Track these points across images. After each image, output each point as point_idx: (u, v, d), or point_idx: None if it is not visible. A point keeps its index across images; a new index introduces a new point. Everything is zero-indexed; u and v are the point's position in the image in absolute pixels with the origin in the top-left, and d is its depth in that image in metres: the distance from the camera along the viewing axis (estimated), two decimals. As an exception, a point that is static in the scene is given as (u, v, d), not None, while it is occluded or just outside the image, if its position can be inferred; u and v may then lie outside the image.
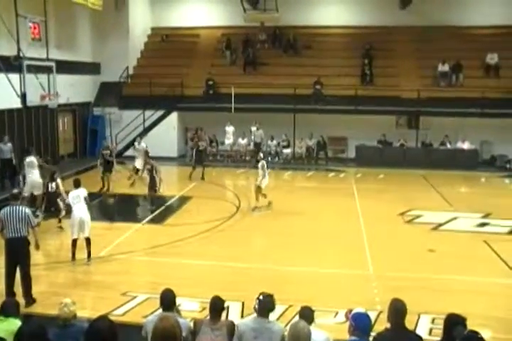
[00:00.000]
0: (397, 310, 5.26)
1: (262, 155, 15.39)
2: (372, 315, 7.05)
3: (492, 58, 22.60)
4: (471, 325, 4.82)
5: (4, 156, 15.90)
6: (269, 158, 20.90)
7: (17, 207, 8.11)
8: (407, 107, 21.30)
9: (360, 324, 4.86)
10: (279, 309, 7.45)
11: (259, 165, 14.27)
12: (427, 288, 8.92)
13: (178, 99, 22.71)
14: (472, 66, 22.71)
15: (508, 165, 20.65)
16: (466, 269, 9.89)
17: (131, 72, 24.77)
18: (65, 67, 19.79)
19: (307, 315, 5.35)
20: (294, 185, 18.70)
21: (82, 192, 10.15)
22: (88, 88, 23.36)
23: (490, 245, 11.21)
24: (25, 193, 12.87)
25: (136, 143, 17.98)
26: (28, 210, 8.21)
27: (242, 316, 7.58)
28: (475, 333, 4.47)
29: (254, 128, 22.10)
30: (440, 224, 12.73)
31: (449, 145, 21.22)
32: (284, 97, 21.45)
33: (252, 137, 22.27)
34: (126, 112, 22.70)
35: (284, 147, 22.36)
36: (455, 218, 13.43)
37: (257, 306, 5.30)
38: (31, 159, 13.40)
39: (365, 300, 7.82)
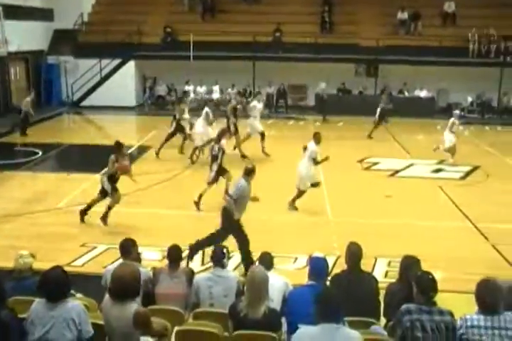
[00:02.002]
0: (353, 252, 5.43)
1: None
2: (331, 260, 7.32)
3: (449, 6, 22.59)
4: (425, 267, 5.02)
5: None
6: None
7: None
8: (366, 55, 21.26)
9: (316, 268, 5.01)
10: (238, 257, 7.63)
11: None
12: (384, 232, 9.17)
13: (136, 47, 22.05)
14: (430, 14, 22.68)
15: (462, 113, 21.07)
16: (422, 214, 10.19)
17: (86, 19, 23.80)
18: (14, 12, 18.85)
19: (266, 260, 5.46)
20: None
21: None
22: (41, 35, 22.41)
23: (444, 190, 11.59)
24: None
25: None
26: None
27: (202, 264, 7.68)
28: (427, 274, 4.63)
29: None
30: (397, 171, 13.04)
31: (407, 94, 21.45)
32: (244, 45, 21.11)
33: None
34: (82, 61, 21.97)
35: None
36: (411, 165, 13.77)
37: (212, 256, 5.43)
38: None
39: (324, 246, 7.96)
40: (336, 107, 20.71)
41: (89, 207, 9.53)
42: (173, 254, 5.48)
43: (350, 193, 11.40)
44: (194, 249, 7.70)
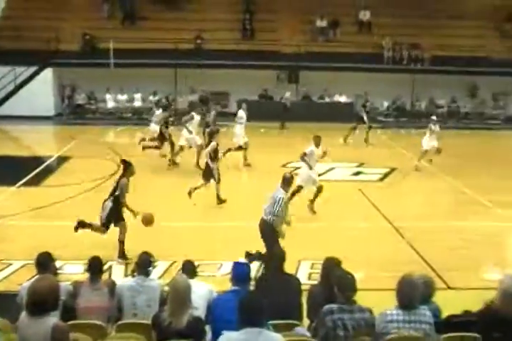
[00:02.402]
0: (275, 255, 5.53)
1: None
2: (256, 265, 7.40)
3: (365, 15, 23.46)
4: (347, 267, 5.15)
5: None
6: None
7: None
8: (287, 62, 21.67)
9: (239, 273, 5.04)
10: (162, 265, 7.54)
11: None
12: (307, 235, 9.29)
13: (53, 54, 21.38)
14: (348, 22, 23.45)
15: (379, 117, 21.93)
16: (343, 216, 10.48)
17: (-5, 24, 22.81)
18: None
19: (189, 269, 5.45)
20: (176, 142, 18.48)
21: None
22: None
23: (363, 192, 11.99)
24: None
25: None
26: None
27: (125, 276, 7.50)
28: (347, 274, 4.76)
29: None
30: (318, 175, 13.32)
31: (327, 99, 22.03)
32: (165, 52, 20.97)
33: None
34: (-6, 68, 20.98)
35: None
36: (332, 168, 14.10)
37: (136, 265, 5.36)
38: None
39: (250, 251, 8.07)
40: (258, 113, 20.88)
41: (84, 224, 8.44)
42: (94, 266, 5.36)
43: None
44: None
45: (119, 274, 7.60)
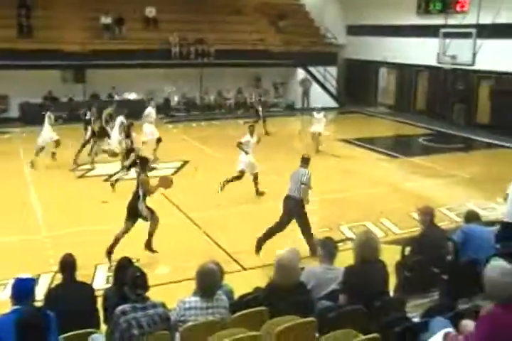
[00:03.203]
0: (64, 263, 5.31)
1: None
2: (48, 277, 7.05)
3: (150, 12, 23.44)
4: (147, 264, 5.13)
5: None
6: None
7: None
8: (72, 61, 20.67)
9: (19, 290, 4.60)
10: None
11: None
12: (104, 239, 9.08)
13: None
14: (134, 19, 23.19)
15: (171, 112, 22.22)
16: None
17: None
18: None
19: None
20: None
21: None
22: None
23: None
24: None
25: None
26: None
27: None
28: (139, 272, 4.75)
29: None
30: (112, 175, 13.07)
31: (117, 97, 21.62)
32: None
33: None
34: None
35: None
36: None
37: None
38: None
39: (40, 264, 7.71)
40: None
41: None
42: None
43: (65, 204, 11.04)
44: (262, 239, 8.34)
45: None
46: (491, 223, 8.36)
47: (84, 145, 14.39)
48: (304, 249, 7.97)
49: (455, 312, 4.38)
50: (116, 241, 8.27)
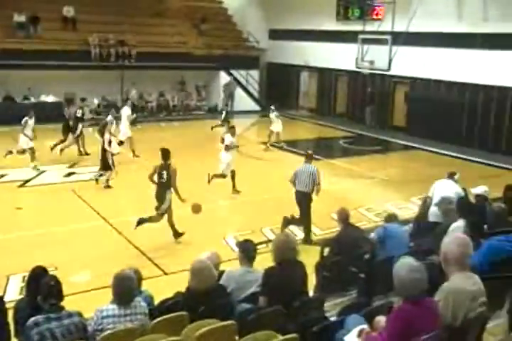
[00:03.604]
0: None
1: None
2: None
3: (68, 11, 22.72)
4: (65, 273, 4.96)
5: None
6: None
7: None
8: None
9: None
10: None
11: None
12: (16, 247, 8.76)
13: None
14: (50, 18, 22.39)
15: (90, 115, 21.54)
16: (58, 220, 10.13)
17: None
18: None
19: None
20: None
21: None
22: None
23: (77, 193, 11.72)
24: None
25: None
26: None
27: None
28: (53, 281, 4.59)
29: None
30: (27, 181, 12.60)
31: (33, 99, 20.79)
32: None
33: None
34: None
35: None
36: (42, 172, 13.45)
37: None
38: None
39: None
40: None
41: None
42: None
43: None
44: (288, 222, 9.43)
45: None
46: (406, 222, 8.69)
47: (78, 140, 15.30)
48: (225, 252, 7.98)
49: (370, 309, 4.51)
50: (173, 226, 9.33)
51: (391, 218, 7.14)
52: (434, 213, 8.06)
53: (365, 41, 19.35)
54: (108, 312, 4.48)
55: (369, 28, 20.00)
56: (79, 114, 15.42)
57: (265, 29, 26.98)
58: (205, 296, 4.81)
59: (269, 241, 7.90)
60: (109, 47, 22.33)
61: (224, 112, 18.70)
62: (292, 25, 24.75)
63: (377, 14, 20.94)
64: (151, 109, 23.50)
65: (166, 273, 8.12)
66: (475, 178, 12.28)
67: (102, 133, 12.87)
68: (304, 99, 25.90)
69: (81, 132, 15.37)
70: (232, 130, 12.56)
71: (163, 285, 7.05)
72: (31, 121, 13.82)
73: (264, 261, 5.54)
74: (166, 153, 9.22)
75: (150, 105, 23.59)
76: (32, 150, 13.53)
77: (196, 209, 9.40)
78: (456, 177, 8.80)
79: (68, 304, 4.49)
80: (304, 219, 9.51)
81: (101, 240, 9.36)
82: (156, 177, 9.26)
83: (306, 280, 5.28)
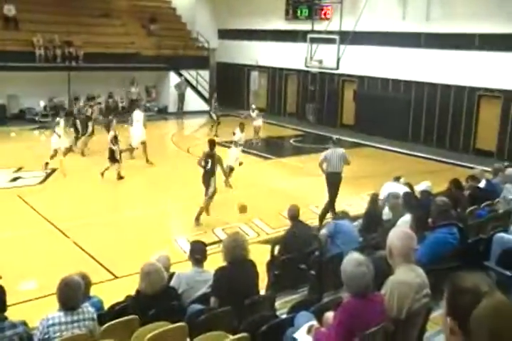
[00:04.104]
0: None
1: None
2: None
3: (10, 10, 22.03)
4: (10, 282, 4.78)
5: None
6: None
7: None
8: None
9: None
10: None
11: None
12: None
13: None
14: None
15: (37, 118, 21.09)
16: (3, 227, 9.81)
17: None
18: None
19: None
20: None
21: None
22: None
23: (23, 198, 11.38)
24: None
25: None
26: None
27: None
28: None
29: None
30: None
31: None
32: None
33: None
34: None
35: None
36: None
37: None
38: None
39: None
40: None
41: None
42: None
43: None
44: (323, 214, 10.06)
45: None
46: (356, 218, 8.82)
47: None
48: (177, 254, 7.93)
49: (319, 305, 4.55)
50: (205, 208, 10.33)
51: (342, 214, 7.24)
52: (386, 213, 8.21)
53: (313, 40, 19.56)
54: (54, 320, 4.37)
55: (318, 27, 20.22)
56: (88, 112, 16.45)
57: (215, 29, 26.93)
58: (155, 299, 4.76)
59: (221, 241, 7.87)
60: (55, 48, 21.76)
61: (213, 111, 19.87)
62: (242, 24, 24.80)
63: (325, 14, 21.20)
64: (100, 111, 23.03)
65: (116, 277, 7.99)
66: (421, 173, 12.65)
67: (107, 130, 13.63)
68: (255, 98, 25.98)
69: None
70: (241, 126, 13.78)
71: (114, 290, 6.92)
72: (62, 122, 14.13)
73: (216, 261, 5.52)
74: (212, 144, 10.35)
75: (99, 107, 23.11)
76: (67, 149, 14.10)
77: (243, 209, 10.18)
78: (401, 180, 9.12)
79: (15, 314, 4.36)
80: (333, 197, 10.46)
81: (48, 246, 9.13)
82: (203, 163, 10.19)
83: (257, 280, 5.29)
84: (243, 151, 14.39)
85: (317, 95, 22.34)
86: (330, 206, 10.30)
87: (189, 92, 24.67)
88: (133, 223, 9.65)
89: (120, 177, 12.96)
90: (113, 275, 8.04)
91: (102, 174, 12.84)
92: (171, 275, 5.43)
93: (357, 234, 7.04)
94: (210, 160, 10.10)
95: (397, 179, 9.22)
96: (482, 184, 8.82)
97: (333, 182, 10.33)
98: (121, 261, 8.34)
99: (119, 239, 9.19)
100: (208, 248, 5.83)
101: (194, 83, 25.18)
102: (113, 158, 12.91)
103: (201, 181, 10.24)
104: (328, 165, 10.24)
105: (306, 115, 22.37)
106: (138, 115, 15.36)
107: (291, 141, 19.26)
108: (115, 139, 13.09)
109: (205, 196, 10.24)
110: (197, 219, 10.18)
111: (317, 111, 22.26)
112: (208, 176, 10.18)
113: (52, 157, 13.46)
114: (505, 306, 1.86)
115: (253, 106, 19.68)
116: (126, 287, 7.08)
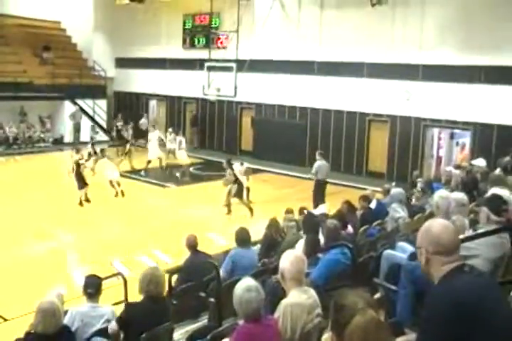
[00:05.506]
0: None
1: None
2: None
3: None
4: None
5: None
6: None
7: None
8: None
9: None
10: None
11: None
12: None
13: None
14: None
15: None
16: None
17: None
18: None
19: None
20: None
21: None
22: None
23: None
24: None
25: None
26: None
27: None
28: None
29: None
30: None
31: None
32: None
33: None
34: None
35: None
36: None
37: None
38: None
39: None
40: None
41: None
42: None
43: None
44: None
45: None
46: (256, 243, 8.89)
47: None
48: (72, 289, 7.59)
49: (217, 332, 4.52)
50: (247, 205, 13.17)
51: (243, 241, 7.26)
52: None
53: (211, 69, 19.85)
54: None
55: (215, 55, 20.54)
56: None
57: (112, 57, 26.57)
58: (50, 339, 4.49)
59: (118, 273, 7.62)
60: None
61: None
62: (139, 53, 24.69)
63: (221, 43, 21.61)
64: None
65: (5, 320, 7.48)
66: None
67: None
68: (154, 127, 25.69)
69: None
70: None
71: (4, 333, 6.50)
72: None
73: (115, 294, 5.34)
74: (230, 159, 13.77)
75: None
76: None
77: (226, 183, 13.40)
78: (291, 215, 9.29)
79: None
80: (320, 198, 12.73)
81: None
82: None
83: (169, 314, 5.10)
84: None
85: (193, 119, 22.70)
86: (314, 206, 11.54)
87: (86, 122, 24.05)
88: (26, 260, 9.13)
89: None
90: (2, 318, 7.52)
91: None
92: (65, 313, 5.17)
93: (256, 259, 7.09)
94: (228, 170, 13.42)
95: (287, 212, 9.33)
96: (373, 204, 9.25)
97: (323, 187, 13.23)
98: (11, 302, 7.80)
99: (9, 278, 8.64)
100: (104, 282, 5.64)
101: (91, 113, 24.60)
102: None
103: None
104: (319, 173, 13.16)
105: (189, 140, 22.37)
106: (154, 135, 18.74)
107: (191, 169, 19.20)
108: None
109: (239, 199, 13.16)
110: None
111: (198, 135, 23.09)
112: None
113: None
114: (372, 323, 1.97)
115: (170, 130, 20.15)
116: (18, 330, 6.67)
